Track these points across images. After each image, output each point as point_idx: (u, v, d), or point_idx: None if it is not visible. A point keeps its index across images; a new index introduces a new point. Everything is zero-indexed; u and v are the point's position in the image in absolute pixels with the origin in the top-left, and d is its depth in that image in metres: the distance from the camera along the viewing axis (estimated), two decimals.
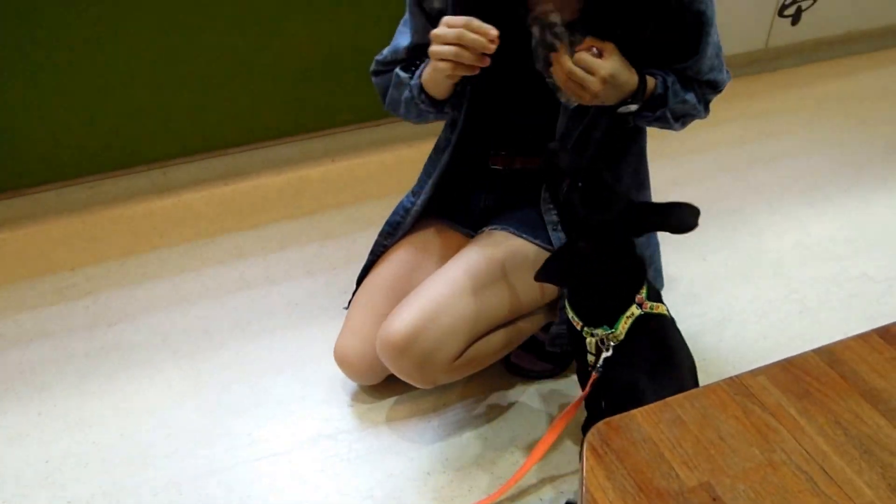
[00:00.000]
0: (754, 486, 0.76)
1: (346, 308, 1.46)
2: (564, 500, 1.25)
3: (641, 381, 1.03)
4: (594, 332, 1.07)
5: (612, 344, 1.04)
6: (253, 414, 1.45)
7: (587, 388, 1.07)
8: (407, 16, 1.25)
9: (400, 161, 2.09)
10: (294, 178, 2.09)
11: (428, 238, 1.43)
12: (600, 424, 0.84)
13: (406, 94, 1.21)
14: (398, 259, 1.41)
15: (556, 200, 1.11)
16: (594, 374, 1.04)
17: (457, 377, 1.30)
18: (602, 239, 1.02)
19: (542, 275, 1.04)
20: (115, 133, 1.94)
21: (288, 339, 1.61)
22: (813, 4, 2.35)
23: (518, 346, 1.39)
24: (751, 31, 2.37)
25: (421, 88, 1.18)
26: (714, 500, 0.75)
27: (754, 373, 0.90)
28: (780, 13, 2.34)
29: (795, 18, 2.37)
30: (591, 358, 1.09)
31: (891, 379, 0.88)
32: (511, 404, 1.44)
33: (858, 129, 2.27)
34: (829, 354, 0.92)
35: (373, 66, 1.32)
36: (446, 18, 1.05)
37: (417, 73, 1.19)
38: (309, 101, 2.06)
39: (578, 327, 1.09)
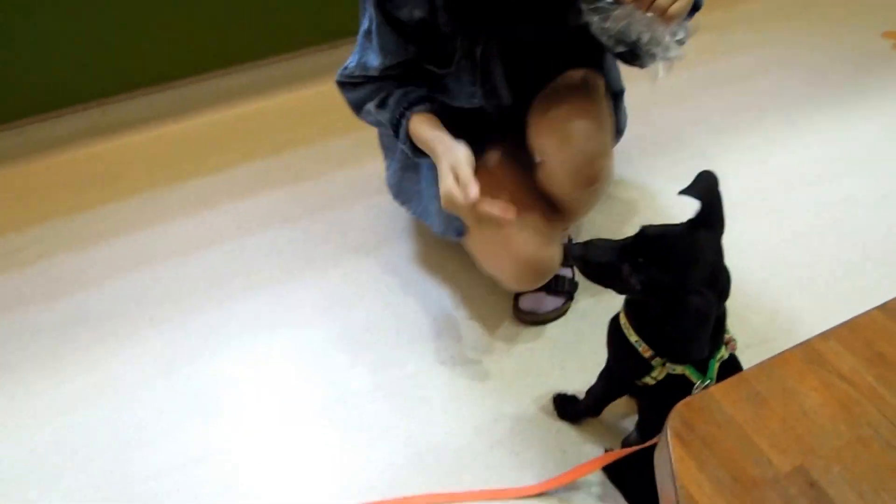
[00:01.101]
0: (848, 466, 0.74)
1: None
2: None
3: None
4: (673, 368, 0.98)
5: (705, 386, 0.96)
6: (251, 381, 1.35)
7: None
8: (373, 30, 1.12)
9: None
10: (250, 112, 1.91)
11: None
12: (680, 406, 0.80)
13: (390, 131, 1.20)
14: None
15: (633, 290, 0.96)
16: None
17: None
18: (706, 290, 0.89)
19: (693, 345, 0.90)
20: (42, 69, 1.70)
21: (275, 296, 1.50)
22: None
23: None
24: None
25: (411, 146, 1.18)
26: (811, 485, 0.73)
27: (825, 336, 0.87)
28: None
29: None
30: (649, 380, 1.01)
31: None
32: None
33: (831, 42, 2.24)
34: (893, 312, 0.89)
35: (339, 78, 1.23)
36: (453, 195, 1.03)
37: (403, 135, 1.18)
38: (256, 24, 1.86)
39: (647, 355, 0.99)
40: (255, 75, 1.95)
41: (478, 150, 1.13)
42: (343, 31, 1.91)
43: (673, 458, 0.75)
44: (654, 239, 0.92)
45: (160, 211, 1.66)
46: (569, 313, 1.46)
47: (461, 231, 1.30)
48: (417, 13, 1.08)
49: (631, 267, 0.91)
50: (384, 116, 1.20)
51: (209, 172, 1.75)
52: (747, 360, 0.99)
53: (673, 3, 0.96)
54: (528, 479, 1.19)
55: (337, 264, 1.55)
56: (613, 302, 1.05)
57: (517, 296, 1.44)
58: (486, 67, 1.16)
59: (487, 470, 1.21)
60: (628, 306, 1.04)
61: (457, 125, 1.16)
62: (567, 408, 1.27)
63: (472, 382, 1.34)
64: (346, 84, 1.23)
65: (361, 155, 1.74)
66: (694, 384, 0.96)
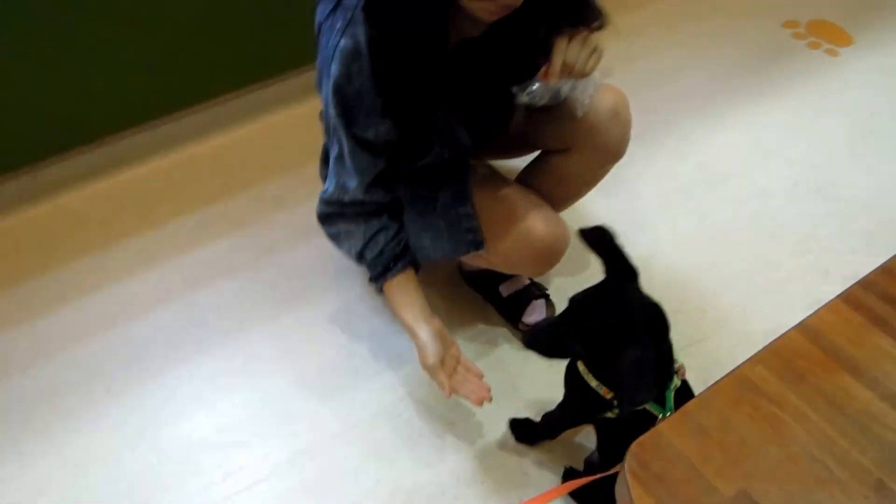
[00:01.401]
0: (783, 484, 0.83)
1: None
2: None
3: None
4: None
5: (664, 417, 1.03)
6: (219, 442, 1.38)
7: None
8: (345, 154, 1.15)
9: (298, 121, 1.95)
10: (183, 160, 1.91)
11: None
12: (634, 447, 0.88)
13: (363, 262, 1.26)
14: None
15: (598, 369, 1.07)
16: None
17: None
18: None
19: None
20: None
21: (230, 350, 1.52)
22: None
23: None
24: None
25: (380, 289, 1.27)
26: None
27: (752, 362, 0.96)
28: None
29: None
30: (609, 415, 1.09)
31: (866, 347, 0.97)
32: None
33: (738, 36, 2.36)
34: (809, 330, 0.99)
35: (322, 209, 1.24)
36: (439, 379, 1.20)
37: (379, 282, 1.25)
38: (181, 72, 1.84)
39: (609, 396, 1.05)
40: (183, 123, 1.94)
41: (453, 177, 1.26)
42: (268, 72, 1.92)
43: (633, 497, 0.83)
44: (582, 308, 0.99)
45: (104, 274, 1.65)
46: (510, 334, 1.53)
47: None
48: (383, 131, 1.12)
49: (573, 339, 0.99)
50: (361, 264, 1.26)
51: (149, 228, 1.75)
52: (686, 362, 1.08)
53: (586, 64, 1.05)
54: None
55: (288, 310, 1.58)
56: None
57: (518, 318, 1.51)
58: (450, 133, 1.21)
59: (457, 501, 1.28)
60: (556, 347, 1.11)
61: (429, 173, 1.26)
62: (523, 431, 1.34)
63: (433, 416, 1.40)
64: (330, 216, 1.25)
65: (300, 195, 1.76)
66: (651, 414, 1.04)
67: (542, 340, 1.04)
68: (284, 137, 1.94)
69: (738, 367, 0.96)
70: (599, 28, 1.14)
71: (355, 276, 1.64)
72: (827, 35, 2.29)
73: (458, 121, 1.22)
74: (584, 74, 1.07)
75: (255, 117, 1.97)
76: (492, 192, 1.32)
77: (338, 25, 1.06)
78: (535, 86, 1.08)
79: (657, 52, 2.27)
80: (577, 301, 1.02)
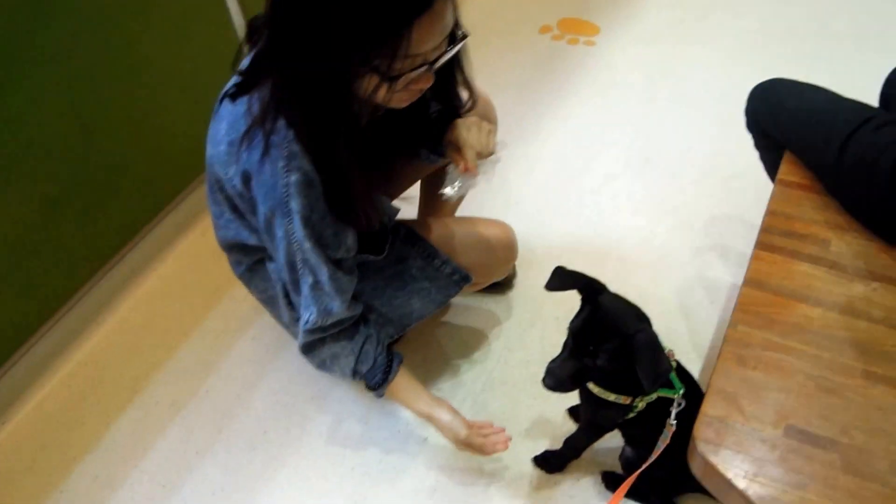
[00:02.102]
0: (810, 407, 1.05)
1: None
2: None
3: None
4: (648, 397, 1.21)
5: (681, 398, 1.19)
6: None
7: (665, 444, 1.19)
8: (323, 281, 1.18)
9: (143, 322, 1.91)
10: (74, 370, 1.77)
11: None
12: (698, 432, 1.04)
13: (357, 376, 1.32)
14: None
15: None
16: (671, 428, 1.18)
17: None
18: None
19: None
20: None
21: None
22: None
23: None
24: None
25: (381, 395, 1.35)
26: (799, 432, 1.02)
27: (732, 325, 1.17)
28: None
29: None
30: (631, 415, 1.23)
31: (795, 277, 1.23)
32: None
33: (507, 58, 2.64)
34: (753, 282, 1.23)
35: (305, 340, 1.25)
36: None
37: (381, 389, 1.33)
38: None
39: (627, 402, 1.21)
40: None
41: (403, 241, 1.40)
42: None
43: (715, 463, 0.99)
44: (583, 329, 1.13)
45: None
46: (486, 364, 1.65)
47: None
48: (350, 243, 1.19)
49: (590, 360, 1.12)
50: (357, 379, 1.34)
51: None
52: None
53: (488, 145, 1.23)
54: None
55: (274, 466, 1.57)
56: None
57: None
58: (380, 206, 1.33)
59: None
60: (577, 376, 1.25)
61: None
62: (552, 463, 1.47)
63: (469, 484, 1.48)
64: (311, 347, 1.28)
65: (210, 368, 1.74)
66: (667, 398, 1.21)
67: (562, 374, 1.15)
68: (134, 335, 1.88)
69: (726, 333, 1.16)
70: (472, 108, 1.31)
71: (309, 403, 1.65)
72: (578, 30, 2.66)
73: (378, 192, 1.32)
74: (490, 153, 1.22)
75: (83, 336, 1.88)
76: (437, 228, 1.45)
77: (280, 165, 1.07)
78: (458, 183, 1.22)
79: None
80: (577, 328, 1.15)
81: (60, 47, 1.49)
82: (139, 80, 1.70)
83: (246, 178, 1.12)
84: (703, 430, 1.05)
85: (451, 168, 1.27)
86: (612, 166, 2.16)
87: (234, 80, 1.14)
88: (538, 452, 1.50)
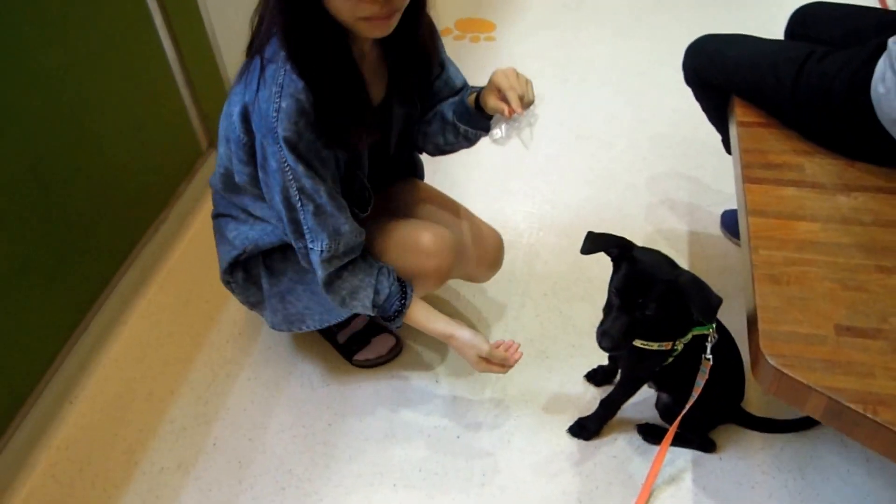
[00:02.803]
0: (844, 304, 1.15)
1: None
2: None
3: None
4: (685, 338, 1.25)
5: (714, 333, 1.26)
6: None
7: (704, 380, 1.26)
8: (323, 202, 1.20)
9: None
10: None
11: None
12: (761, 345, 1.11)
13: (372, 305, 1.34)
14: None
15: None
16: (709, 363, 1.24)
17: None
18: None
19: None
20: None
21: None
22: None
23: (352, 345, 1.66)
24: None
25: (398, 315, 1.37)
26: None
27: (754, 251, 1.26)
28: None
29: None
30: (669, 360, 1.28)
31: (785, 200, 1.34)
32: None
33: None
34: (755, 212, 1.33)
35: (325, 271, 1.27)
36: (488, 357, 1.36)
37: (400, 318, 1.37)
38: None
39: (669, 347, 1.25)
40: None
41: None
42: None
43: (786, 372, 1.07)
44: (627, 285, 1.16)
45: None
46: None
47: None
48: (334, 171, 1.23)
49: (639, 312, 1.16)
50: (377, 312, 1.36)
51: None
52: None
53: (528, 90, 1.24)
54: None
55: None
56: None
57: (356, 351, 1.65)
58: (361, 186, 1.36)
59: None
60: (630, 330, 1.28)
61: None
62: (588, 428, 1.50)
63: (502, 463, 1.48)
64: (331, 281, 1.29)
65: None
66: (699, 339, 1.28)
67: (618, 336, 1.19)
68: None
69: (751, 259, 1.25)
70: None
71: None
72: (476, 28, 2.75)
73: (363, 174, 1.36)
74: (531, 101, 1.24)
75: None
76: (384, 225, 1.43)
77: (273, 91, 1.11)
78: (503, 126, 1.23)
79: None
80: (621, 286, 1.18)
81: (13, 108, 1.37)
82: (86, 127, 1.58)
83: (244, 115, 1.17)
84: (768, 346, 1.12)
85: (496, 117, 1.27)
86: (548, 148, 2.24)
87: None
88: (568, 424, 1.53)
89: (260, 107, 1.13)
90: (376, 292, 1.33)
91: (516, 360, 1.38)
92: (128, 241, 1.78)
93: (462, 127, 1.34)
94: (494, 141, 1.27)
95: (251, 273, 1.46)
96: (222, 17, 2.02)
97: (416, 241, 1.40)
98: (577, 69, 2.54)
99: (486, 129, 1.32)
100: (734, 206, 1.92)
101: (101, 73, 1.61)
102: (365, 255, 1.34)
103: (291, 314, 1.46)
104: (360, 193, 1.35)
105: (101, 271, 1.70)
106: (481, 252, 1.55)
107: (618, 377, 1.56)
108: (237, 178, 1.30)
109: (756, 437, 1.50)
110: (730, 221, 1.90)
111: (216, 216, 1.46)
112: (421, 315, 1.38)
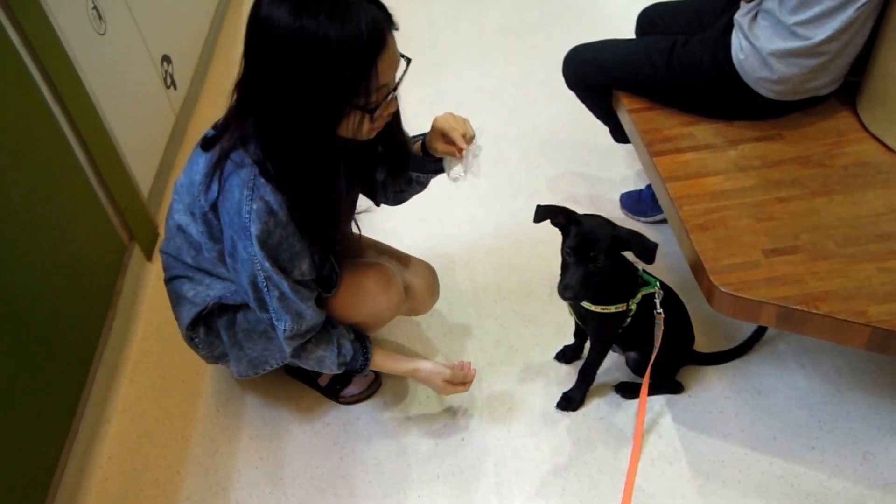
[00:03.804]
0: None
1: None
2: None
3: None
4: (635, 299, 1.44)
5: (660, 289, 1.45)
6: None
7: (661, 331, 1.45)
8: (287, 293, 1.30)
9: None
10: None
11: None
12: (713, 279, 1.33)
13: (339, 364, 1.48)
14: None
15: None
16: (661, 316, 1.43)
17: None
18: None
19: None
20: None
21: None
22: None
23: (335, 385, 1.74)
24: None
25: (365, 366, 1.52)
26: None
27: (680, 208, 1.49)
28: None
29: None
30: (628, 321, 1.47)
31: (690, 165, 1.59)
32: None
33: None
34: (672, 178, 1.56)
35: (290, 346, 1.40)
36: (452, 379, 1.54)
37: (366, 370, 1.52)
38: None
39: (624, 308, 1.43)
40: None
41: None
42: None
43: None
44: (578, 243, 1.35)
45: None
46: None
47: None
48: (305, 269, 1.32)
49: (591, 263, 1.35)
50: (343, 370, 1.50)
51: None
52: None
53: (468, 128, 1.39)
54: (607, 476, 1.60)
55: None
56: None
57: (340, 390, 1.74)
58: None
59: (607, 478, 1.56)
60: (589, 300, 1.47)
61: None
62: (574, 399, 1.67)
63: (517, 462, 1.62)
64: (299, 352, 1.42)
65: None
66: (649, 298, 1.48)
67: (577, 286, 1.36)
68: None
69: (680, 215, 1.48)
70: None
71: None
72: None
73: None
74: (472, 136, 1.39)
75: None
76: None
77: (244, 194, 1.20)
78: (458, 166, 1.38)
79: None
80: (573, 244, 1.36)
81: None
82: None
83: (214, 207, 1.26)
84: (718, 279, 1.34)
85: (446, 159, 1.42)
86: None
87: (208, 132, 1.29)
88: (554, 402, 1.69)
89: (231, 205, 1.22)
90: (340, 356, 1.46)
91: (473, 376, 1.56)
92: (88, 346, 1.77)
93: (414, 174, 1.49)
94: (454, 180, 1.42)
95: (212, 326, 1.51)
96: (117, 113, 2.05)
97: (364, 284, 1.51)
98: (448, 101, 2.74)
99: (437, 172, 1.47)
100: (627, 189, 2.17)
101: (17, 189, 1.60)
102: (326, 327, 1.45)
103: (253, 358, 1.53)
104: (328, 276, 1.45)
105: (72, 377, 1.68)
106: (420, 283, 1.67)
107: (585, 352, 1.74)
108: (206, 254, 1.38)
109: (711, 372, 1.72)
110: (628, 202, 2.15)
111: (170, 279, 1.51)
112: (384, 361, 1.55)
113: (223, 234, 1.28)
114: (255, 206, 1.20)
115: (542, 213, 1.41)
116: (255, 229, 1.21)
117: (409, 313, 1.74)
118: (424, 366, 1.54)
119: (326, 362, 1.46)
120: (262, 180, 1.20)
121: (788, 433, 1.59)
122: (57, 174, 1.74)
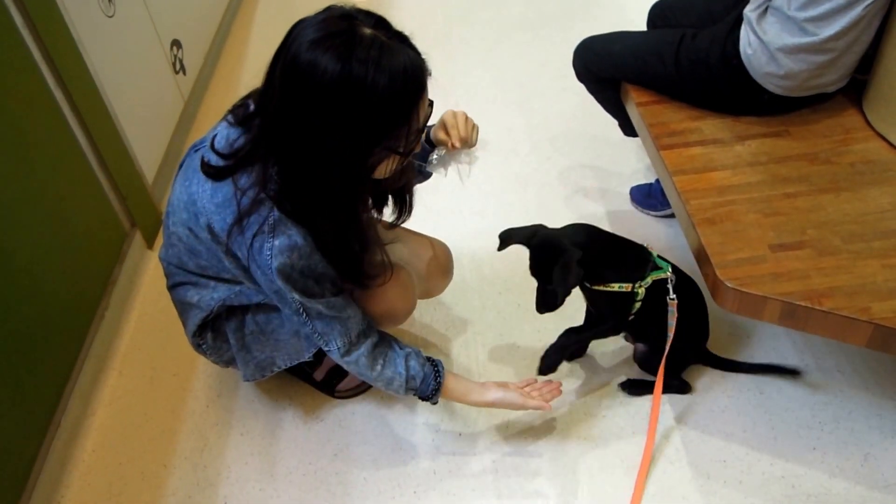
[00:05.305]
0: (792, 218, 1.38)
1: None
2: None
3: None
4: (644, 281, 1.42)
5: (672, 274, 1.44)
6: None
7: (675, 319, 1.43)
8: (322, 307, 1.28)
9: None
10: None
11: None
12: (721, 275, 1.31)
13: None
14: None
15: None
16: (674, 302, 1.42)
17: None
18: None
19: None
20: None
21: None
22: None
23: (332, 379, 1.71)
24: None
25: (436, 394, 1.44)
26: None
27: (688, 202, 1.47)
28: None
29: None
30: (637, 305, 1.45)
31: (697, 159, 1.57)
32: None
33: None
34: (678, 171, 1.54)
35: (354, 367, 1.36)
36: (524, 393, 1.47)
37: (436, 397, 1.43)
38: None
39: (629, 289, 1.41)
40: None
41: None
42: None
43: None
44: (532, 267, 1.42)
45: None
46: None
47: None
48: (328, 293, 1.28)
49: (550, 285, 1.39)
50: (412, 394, 1.43)
51: None
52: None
53: (472, 135, 1.38)
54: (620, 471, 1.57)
55: None
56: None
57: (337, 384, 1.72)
58: None
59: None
60: (589, 280, 1.45)
61: None
62: (545, 358, 1.56)
63: (517, 461, 1.60)
64: (364, 371, 1.37)
65: None
66: (661, 284, 1.46)
67: (549, 301, 1.42)
68: None
69: (688, 209, 1.46)
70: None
71: None
72: None
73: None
74: (472, 144, 1.39)
75: None
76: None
77: (265, 230, 1.19)
78: (442, 152, 1.38)
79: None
80: (532, 269, 1.43)
81: None
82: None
83: (241, 259, 1.25)
84: (724, 273, 1.32)
85: (438, 148, 1.41)
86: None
87: (215, 159, 1.23)
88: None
89: (251, 244, 1.20)
90: (408, 380, 1.40)
91: (553, 399, 1.50)
92: (78, 336, 1.75)
93: (417, 163, 1.47)
94: (431, 167, 1.42)
95: (220, 331, 1.49)
96: (121, 97, 2.04)
97: (381, 289, 1.46)
98: (463, 94, 2.72)
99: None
100: (637, 183, 2.15)
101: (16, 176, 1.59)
102: (391, 343, 1.41)
103: (261, 361, 1.50)
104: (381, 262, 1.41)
105: (57, 370, 1.66)
106: (435, 262, 1.66)
107: (588, 351, 1.72)
108: (205, 260, 1.35)
109: (713, 371, 1.69)
110: (638, 196, 2.13)
111: (173, 286, 1.48)
112: (455, 392, 1.46)
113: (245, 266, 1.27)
114: (277, 243, 1.19)
115: (503, 240, 1.50)
116: (276, 264, 1.20)
117: (423, 296, 1.69)
118: (497, 393, 1.46)
119: (394, 385, 1.40)
120: (279, 214, 1.19)
121: (790, 433, 1.57)
122: (56, 158, 1.72)
